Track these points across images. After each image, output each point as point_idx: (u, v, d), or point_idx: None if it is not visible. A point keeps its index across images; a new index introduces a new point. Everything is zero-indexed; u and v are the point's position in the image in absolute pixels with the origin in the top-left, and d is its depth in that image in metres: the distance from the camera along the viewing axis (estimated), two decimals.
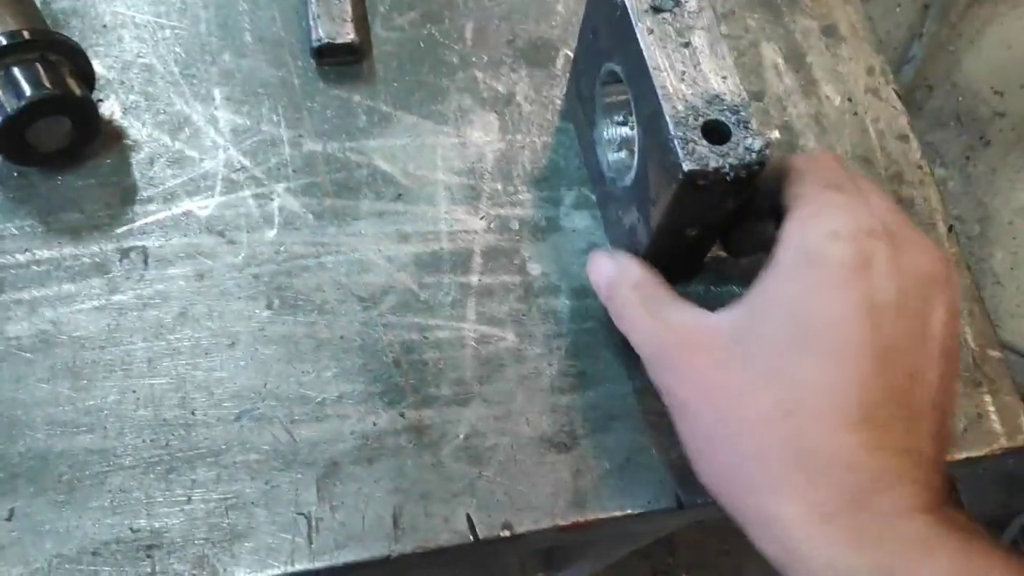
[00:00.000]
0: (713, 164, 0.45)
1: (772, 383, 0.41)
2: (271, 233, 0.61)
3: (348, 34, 0.65)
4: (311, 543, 0.54)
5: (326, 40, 0.64)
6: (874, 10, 2.58)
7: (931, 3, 2.16)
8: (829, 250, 0.41)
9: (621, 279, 0.52)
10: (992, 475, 1.67)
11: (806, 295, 0.42)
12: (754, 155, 0.45)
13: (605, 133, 0.60)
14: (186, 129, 0.64)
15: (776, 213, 0.47)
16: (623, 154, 0.59)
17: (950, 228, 0.66)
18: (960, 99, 2.44)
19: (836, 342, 0.40)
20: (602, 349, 0.60)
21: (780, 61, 0.70)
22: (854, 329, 0.40)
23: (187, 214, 0.61)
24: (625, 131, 0.59)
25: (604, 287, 0.54)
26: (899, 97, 0.69)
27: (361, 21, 0.67)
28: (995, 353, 0.62)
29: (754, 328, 0.43)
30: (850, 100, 0.69)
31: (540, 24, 0.69)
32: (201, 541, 0.53)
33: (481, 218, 0.63)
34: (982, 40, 2.49)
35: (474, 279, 0.61)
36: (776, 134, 0.64)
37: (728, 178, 0.45)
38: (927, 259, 0.43)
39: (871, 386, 0.40)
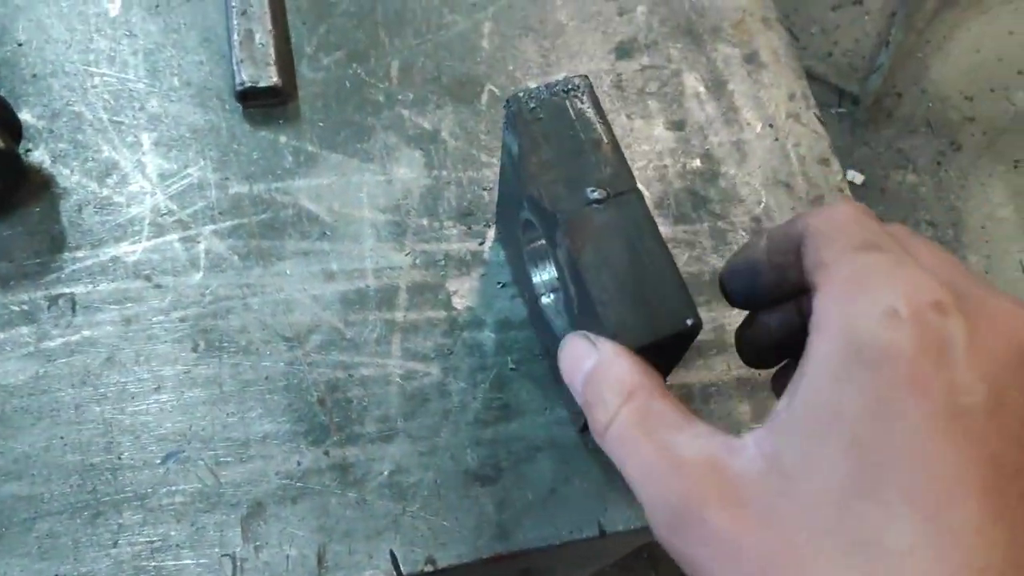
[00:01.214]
0: (645, 341, 0.42)
1: (839, 549, 0.28)
2: (197, 276, 0.62)
3: (271, 77, 0.66)
4: None
5: (249, 84, 0.65)
6: (842, 19, 2.60)
7: (897, 10, 2.19)
8: (886, 338, 0.29)
9: (605, 382, 0.38)
10: None
11: (868, 410, 0.29)
12: (687, 324, 0.42)
13: (533, 276, 0.58)
14: (114, 175, 0.65)
15: (796, 295, 0.39)
16: (552, 298, 0.58)
17: None
18: (930, 105, 2.46)
19: (924, 479, 0.28)
20: (524, 381, 0.60)
21: (702, 89, 0.71)
22: (944, 454, 0.28)
23: (115, 260, 0.62)
24: (552, 278, 0.58)
25: (581, 387, 0.40)
26: (820, 121, 0.70)
27: (285, 63, 0.68)
28: None
29: (802, 464, 0.30)
30: (771, 126, 0.70)
31: (465, 61, 0.71)
32: None
33: (406, 254, 0.64)
34: (950, 45, 2.52)
35: (399, 315, 0.62)
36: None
37: (662, 346, 0.43)
38: (1015, 325, 0.31)
39: (988, 540, 0.27)
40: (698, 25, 0.73)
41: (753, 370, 0.62)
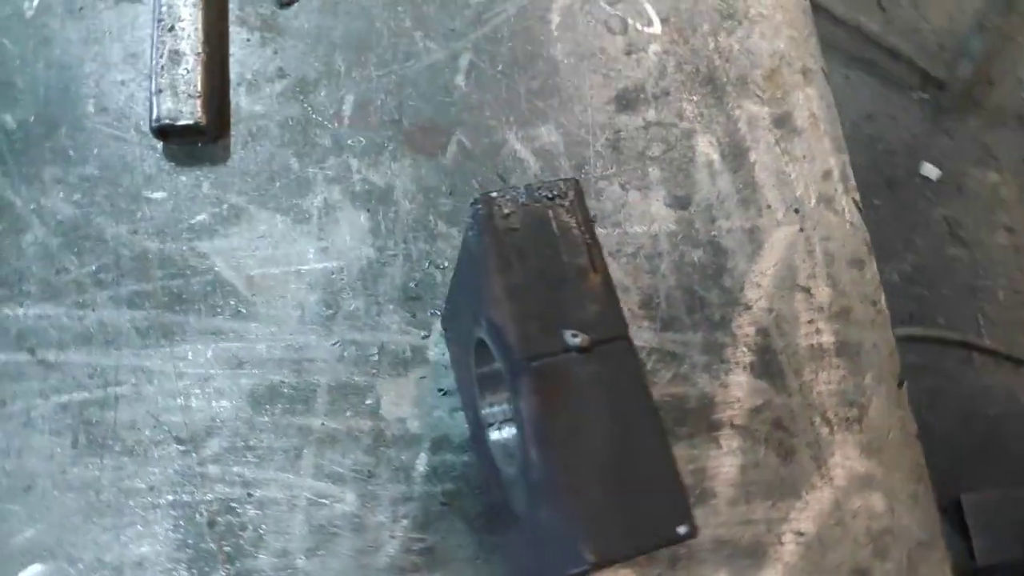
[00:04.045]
0: (624, 554, 0.35)
1: None
2: (87, 353, 0.52)
3: (194, 113, 0.55)
4: None
5: (167, 120, 0.54)
6: None
7: None
8: None
9: None
10: (1013, 522, 1.55)
11: None
12: (679, 534, 0.35)
13: (482, 404, 0.47)
14: (5, 218, 0.55)
15: None
16: (503, 435, 0.47)
17: (900, 384, 0.55)
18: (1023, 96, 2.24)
19: None
20: (456, 520, 0.50)
21: (716, 157, 0.58)
22: None
23: None
24: (505, 414, 0.47)
25: None
26: (859, 209, 0.57)
27: (216, 93, 0.56)
28: (938, 551, 0.51)
29: None
30: (796, 211, 0.57)
31: (432, 101, 0.59)
32: None
33: (334, 343, 0.53)
34: None
35: (317, 422, 0.52)
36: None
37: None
38: None
39: None
40: (721, 73, 0.60)
41: (736, 531, 0.51)
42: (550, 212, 0.39)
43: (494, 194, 0.38)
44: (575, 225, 0.39)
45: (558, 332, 0.36)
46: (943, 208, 1.94)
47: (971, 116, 2.19)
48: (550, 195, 0.39)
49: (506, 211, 0.38)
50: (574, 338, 0.36)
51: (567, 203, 0.39)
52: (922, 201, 1.94)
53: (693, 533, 0.35)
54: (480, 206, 0.38)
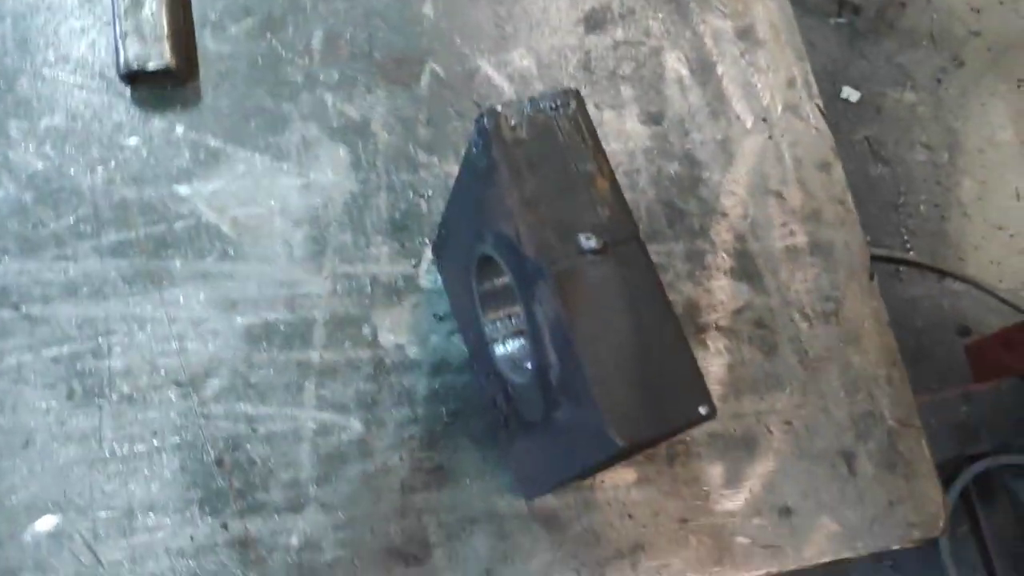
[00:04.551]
0: (649, 436, 0.36)
1: None
2: (74, 304, 0.52)
3: (163, 56, 0.54)
4: None
5: (136, 66, 0.53)
6: None
7: None
8: None
9: None
10: (944, 424, 1.63)
11: None
12: (700, 413, 0.36)
13: (485, 322, 0.48)
14: None
15: None
16: (509, 348, 0.48)
17: (871, 276, 0.57)
18: (934, 16, 2.30)
19: None
20: (462, 438, 0.52)
21: (685, 73, 0.59)
22: None
23: None
24: (510, 327, 0.48)
25: None
26: (823, 115, 0.59)
27: (182, 35, 0.56)
28: (914, 428, 0.55)
29: None
30: (764, 120, 0.59)
31: (403, 32, 0.59)
32: None
33: (325, 278, 0.54)
34: None
35: (315, 355, 0.52)
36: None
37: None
38: None
39: None
40: None
41: (728, 424, 0.53)
42: (555, 122, 0.39)
43: (499, 107, 0.39)
44: (580, 133, 0.40)
45: (573, 237, 0.37)
46: (864, 129, 2.00)
47: (885, 39, 2.24)
48: (553, 105, 0.40)
49: (512, 123, 0.39)
50: (588, 241, 0.37)
51: (570, 112, 0.40)
52: (844, 123, 2.00)
53: (713, 413, 0.36)
54: (486, 119, 0.39)
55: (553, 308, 0.37)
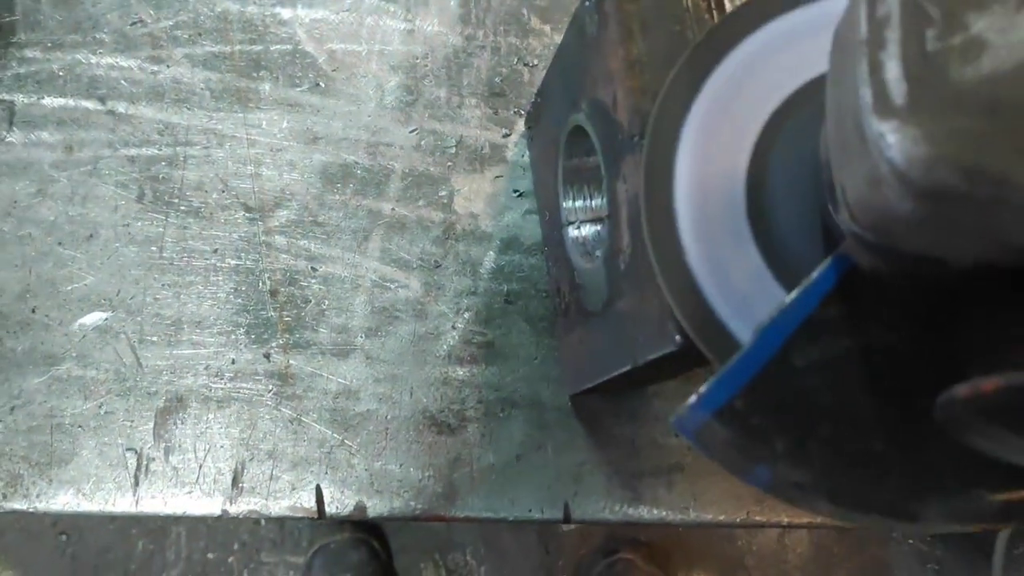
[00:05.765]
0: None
1: None
2: (159, 108, 0.51)
3: None
4: (137, 485, 0.47)
5: None
6: None
7: None
8: None
9: None
10: None
11: None
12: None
13: (564, 199, 0.45)
14: None
15: None
16: (582, 231, 0.45)
17: None
18: None
19: None
20: (518, 319, 0.50)
21: None
22: None
23: (68, 70, 0.51)
24: (589, 209, 0.45)
25: None
26: None
27: None
28: None
29: None
30: None
31: None
32: (19, 458, 0.47)
33: (412, 131, 0.52)
34: None
35: (387, 207, 0.51)
36: None
37: None
38: None
39: None
40: None
41: None
42: None
43: None
44: (706, 1, 0.36)
45: None
46: None
47: None
48: None
49: None
50: None
51: None
52: None
53: None
54: None
55: (633, 185, 0.34)
